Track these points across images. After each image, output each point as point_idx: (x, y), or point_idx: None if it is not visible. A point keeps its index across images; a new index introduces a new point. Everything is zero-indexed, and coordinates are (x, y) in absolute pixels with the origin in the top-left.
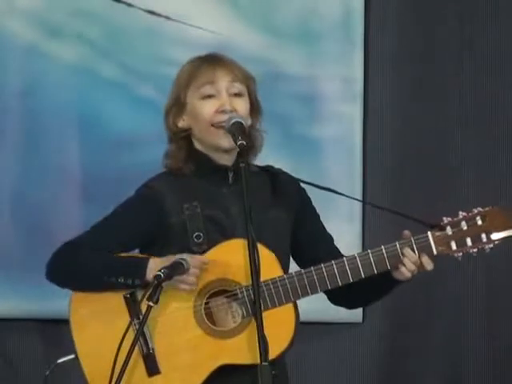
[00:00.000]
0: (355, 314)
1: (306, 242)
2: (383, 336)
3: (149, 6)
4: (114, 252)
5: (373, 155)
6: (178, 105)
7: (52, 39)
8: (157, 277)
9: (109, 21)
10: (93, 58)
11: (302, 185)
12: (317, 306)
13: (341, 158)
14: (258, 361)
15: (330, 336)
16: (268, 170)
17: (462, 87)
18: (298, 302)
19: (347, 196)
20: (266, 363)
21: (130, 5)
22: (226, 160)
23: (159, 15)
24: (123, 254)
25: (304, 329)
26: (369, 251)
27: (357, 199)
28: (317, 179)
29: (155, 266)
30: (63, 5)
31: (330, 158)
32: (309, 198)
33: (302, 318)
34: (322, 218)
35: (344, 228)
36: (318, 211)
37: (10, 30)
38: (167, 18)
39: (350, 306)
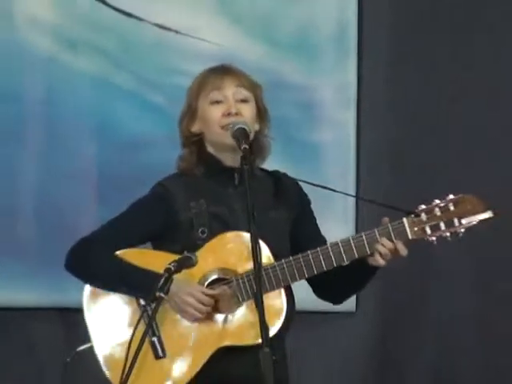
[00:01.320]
0: (349, 304)
1: (300, 238)
2: (376, 325)
3: (159, 20)
4: (127, 245)
5: (366, 157)
6: (190, 111)
7: (71, 51)
8: (167, 270)
9: (122, 34)
10: (108, 69)
11: (302, 184)
12: (311, 296)
13: (336, 160)
14: (257, 341)
15: (325, 325)
16: (273, 175)
17: (452, 94)
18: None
19: (341, 192)
20: (268, 349)
21: (141, 20)
22: (233, 162)
23: (169, 29)
24: (138, 265)
25: (299, 318)
26: (350, 237)
27: (349, 194)
28: (314, 179)
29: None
30: (81, 20)
31: (327, 160)
32: (309, 202)
33: (298, 307)
34: (320, 217)
35: (339, 225)
36: (316, 210)
37: (32, 43)
38: (176, 31)
39: (334, 299)
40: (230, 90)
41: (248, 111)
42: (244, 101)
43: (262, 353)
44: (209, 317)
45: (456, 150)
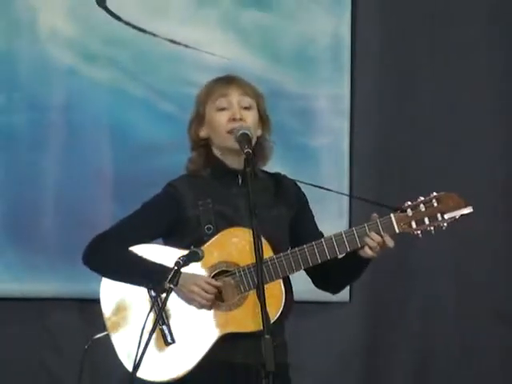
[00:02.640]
0: (343, 295)
1: (299, 233)
2: (368, 313)
3: (170, 36)
4: (140, 241)
5: (358, 160)
6: (198, 118)
7: (89, 63)
8: (177, 263)
9: (137, 48)
10: (123, 79)
11: (301, 185)
12: (309, 287)
13: (332, 163)
14: (258, 328)
15: (322, 313)
16: (274, 176)
17: (440, 105)
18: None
19: (336, 191)
20: (269, 336)
21: (154, 35)
22: (238, 164)
23: (179, 43)
24: (148, 258)
25: (298, 307)
26: (342, 232)
27: (344, 193)
28: (312, 180)
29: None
30: (99, 35)
31: (323, 163)
32: (307, 200)
33: (296, 298)
34: (316, 214)
35: (334, 222)
36: (313, 208)
37: (53, 55)
38: (186, 45)
39: (332, 289)
40: (235, 98)
41: (251, 117)
42: (247, 108)
43: (263, 339)
44: (213, 306)
45: (439, 154)
